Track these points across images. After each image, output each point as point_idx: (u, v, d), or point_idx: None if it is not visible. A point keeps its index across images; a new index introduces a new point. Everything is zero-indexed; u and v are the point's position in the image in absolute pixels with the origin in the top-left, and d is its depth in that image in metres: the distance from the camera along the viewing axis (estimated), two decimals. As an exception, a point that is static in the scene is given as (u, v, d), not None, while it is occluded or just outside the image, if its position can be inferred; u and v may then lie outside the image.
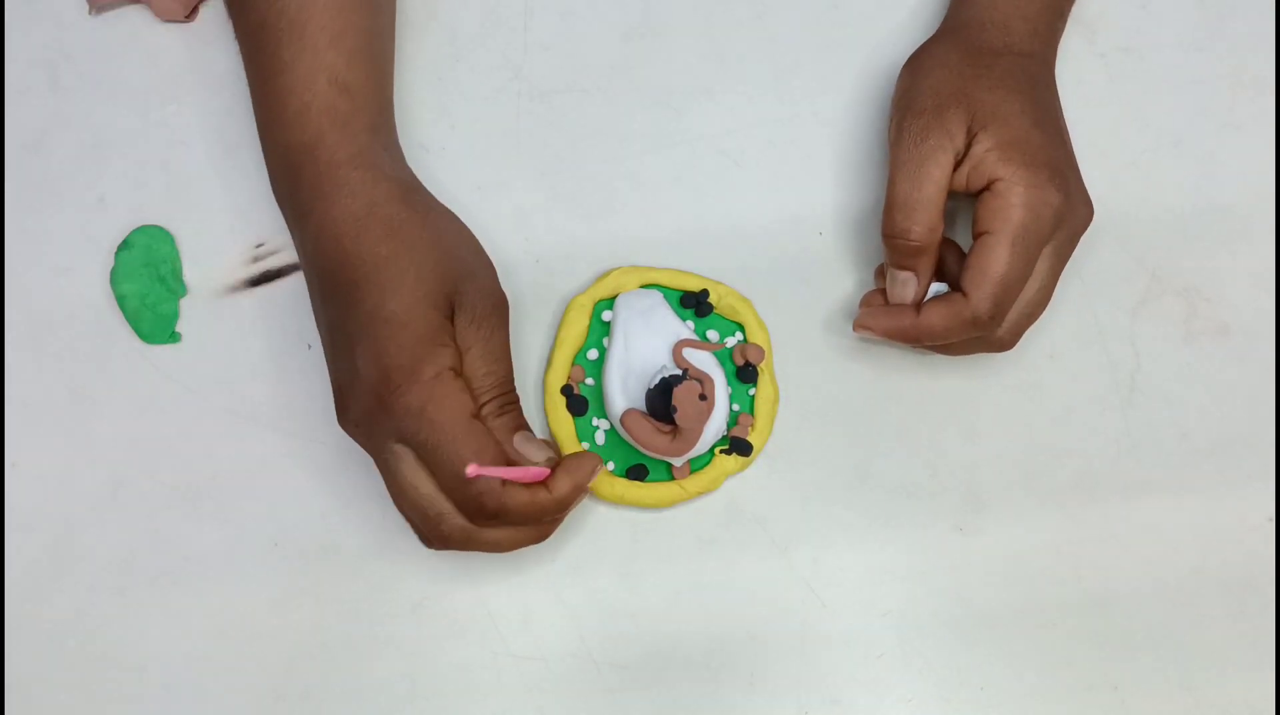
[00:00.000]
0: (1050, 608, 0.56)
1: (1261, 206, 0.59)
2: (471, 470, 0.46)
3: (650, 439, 0.53)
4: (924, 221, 0.51)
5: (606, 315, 0.57)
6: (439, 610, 0.56)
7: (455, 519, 0.49)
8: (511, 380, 0.51)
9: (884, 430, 0.57)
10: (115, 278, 0.58)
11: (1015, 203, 0.50)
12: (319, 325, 0.52)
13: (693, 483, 0.55)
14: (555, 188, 0.59)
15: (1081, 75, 0.60)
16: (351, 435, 0.51)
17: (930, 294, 0.54)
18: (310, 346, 0.57)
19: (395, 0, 0.58)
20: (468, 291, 0.50)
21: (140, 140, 0.60)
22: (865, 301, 0.55)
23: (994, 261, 0.50)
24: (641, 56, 0.61)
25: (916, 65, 0.54)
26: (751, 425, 0.56)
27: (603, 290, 0.57)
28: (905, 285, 0.53)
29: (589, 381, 0.57)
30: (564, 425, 0.56)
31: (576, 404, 0.56)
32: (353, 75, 0.53)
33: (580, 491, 0.50)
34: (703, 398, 0.52)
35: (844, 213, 0.59)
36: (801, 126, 0.60)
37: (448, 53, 0.61)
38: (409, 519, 0.50)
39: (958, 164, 0.51)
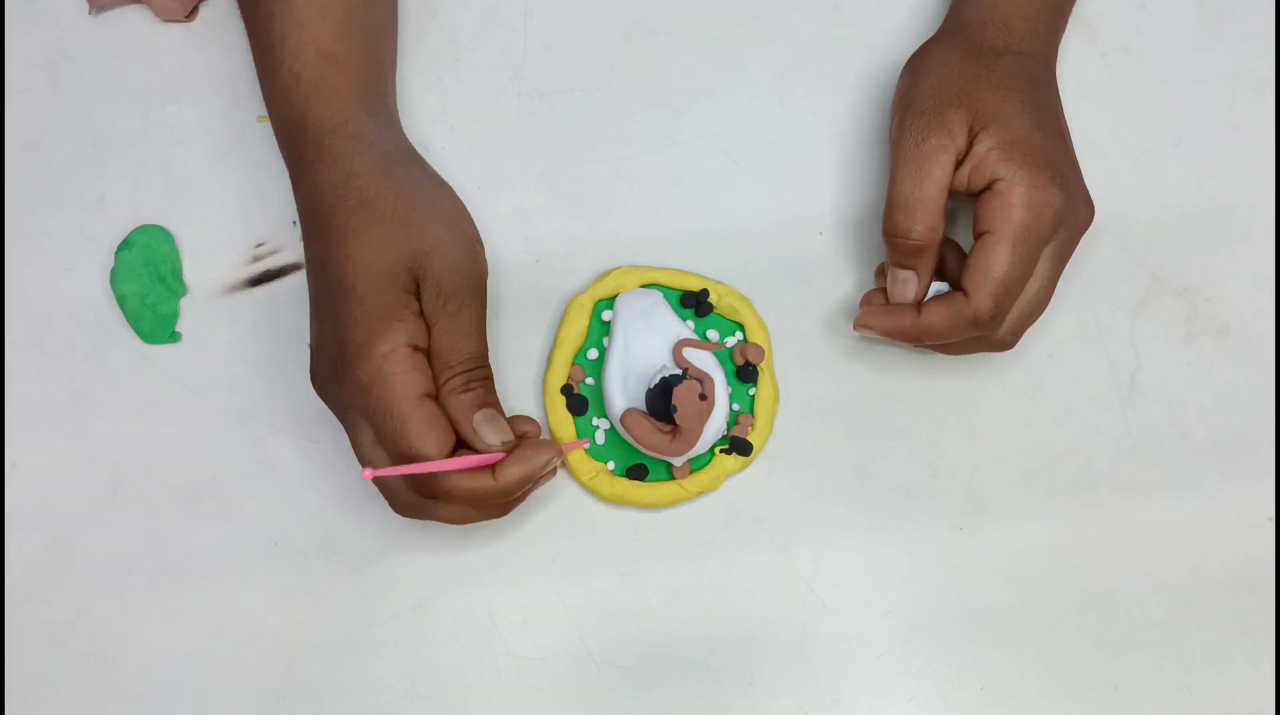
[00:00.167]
0: (1050, 608, 0.56)
1: (1261, 206, 0.59)
2: (366, 474, 0.46)
3: (650, 439, 0.53)
4: (925, 221, 0.51)
5: (606, 315, 0.57)
6: (439, 610, 0.56)
7: (408, 493, 0.50)
8: (483, 357, 0.51)
9: (884, 430, 0.57)
10: (115, 277, 0.58)
11: (1016, 202, 0.50)
12: (309, 290, 0.53)
13: (693, 482, 0.55)
14: (555, 188, 0.59)
15: (1081, 75, 0.60)
16: (321, 398, 0.51)
17: (931, 293, 0.54)
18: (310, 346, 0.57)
19: None
20: (433, 266, 0.50)
21: (140, 140, 0.60)
22: (866, 300, 0.55)
23: (995, 261, 0.50)
24: (641, 56, 0.61)
25: (918, 65, 0.54)
26: (751, 425, 0.56)
27: (603, 290, 0.57)
28: (906, 284, 0.53)
29: (589, 381, 0.57)
30: (564, 425, 0.56)
31: (576, 404, 0.56)
32: (339, 45, 0.54)
33: (529, 481, 0.50)
34: (703, 397, 0.52)
35: (844, 212, 0.59)
36: (801, 126, 0.60)
37: (448, 53, 0.61)
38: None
39: (959, 163, 0.51)
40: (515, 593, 0.56)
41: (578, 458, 0.55)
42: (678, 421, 0.52)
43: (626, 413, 0.53)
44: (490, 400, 0.51)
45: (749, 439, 0.56)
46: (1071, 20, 0.59)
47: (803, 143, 0.60)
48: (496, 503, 0.51)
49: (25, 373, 0.58)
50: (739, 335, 0.57)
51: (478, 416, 0.50)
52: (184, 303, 0.58)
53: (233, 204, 0.59)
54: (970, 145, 0.51)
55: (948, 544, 0.56)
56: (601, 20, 0.61)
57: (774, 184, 0.59)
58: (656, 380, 0.53)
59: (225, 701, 0.55)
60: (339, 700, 0.55)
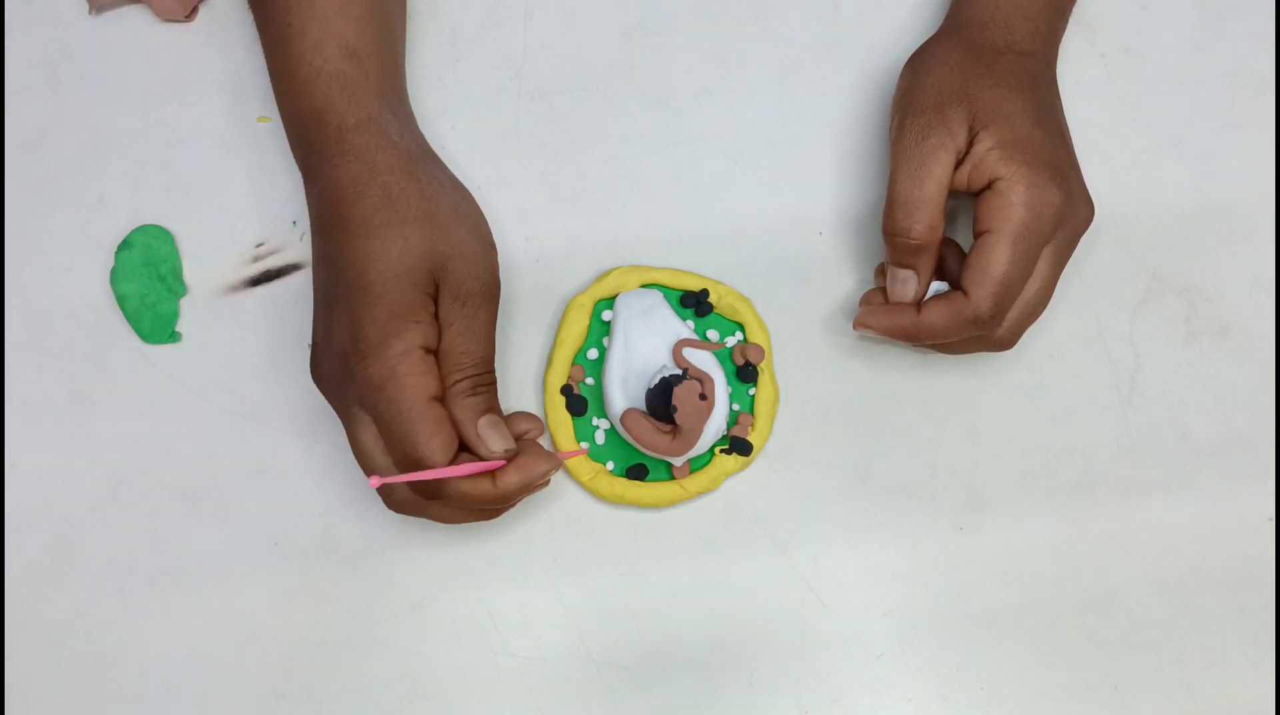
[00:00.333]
0: (1050, 608, 0.56)
1: (1261, 206, 0.59)
2: (373, 482, 0.47)
3: (650, 439, 0.53)
4: (925, 219, 0.51)
5: (606, 315, 0.57)
6: (439, 610, 0.56)
7: (405, 492, 0.50)
8: (491, 362, 0.51)
9: (884, 430, 0.57)
10: (115, 277, 0.58)
11: (1016, 202, 0.50)
12: (314, 282, 0.53)
13: (693, 482, 0.55)
14: (555, 188, 0.59)
15: (1082, 75, 0.60)
16: (321, 391, 0.51)
17: (930, 293, 0.54)
18: (310, 346, 0.57)
19: None
20: (454, 269, 0.50)
21: (140, 140, 0.60)
22: (865, 300, 0.55)
23: (995, 260, 0.50)
24: (641, 56, 0.61)
25: (918, 64, 0.54)
26: (751, 425, 0.56)
27: (603, 290, 0.57)
28: (906, 283, 0.53)
29: (589, 381, 0.57)
30: (564, 425, 0.56)
31: (576, 404, 0.56)
32: (361, 41, 0.54)
33: (527, 490, 0.51)
34: (703, 397, 0.52)
35: (844, 212, 0.59)
36: (801, 126, 0.60)
37: (448, 53, 0.61)
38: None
39: (959, 162, 0.51)
40: (515, 593, 0.56)
41: (578, 458, 0.55)
42: (678, 421, 0.52)
43: (626, 413, 0.53)
44: (494, 405, 0.51)
45: (749, 439, 0.56)
46: (1071, 20, 0.59)
47: (803, 143, 0.60)
48: (491, 507, 0.51)
49: (25, 373, 0.58)
50: (739, 335, 0.57)
51: (483, 422, 0.50)
52: (184, 303, 0.58)
53: (233, 204, 0.59)
54: (970, 144, 0.51)
55: (948, 544, 0.56)
56: (601, 20, 0.61)
57: (774, 184, 0.59)
58: (656, 380, 0.53)
59: (225, 701, 0.55)
60: (339, 700, 0.55)
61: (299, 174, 0.55)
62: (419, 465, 0.48)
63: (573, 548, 0.56)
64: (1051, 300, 0.53)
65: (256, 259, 0.59)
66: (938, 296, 0.52)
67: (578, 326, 0.57)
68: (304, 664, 0.55)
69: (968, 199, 0.53)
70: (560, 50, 0.61)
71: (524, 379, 0.57)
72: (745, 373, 0.56)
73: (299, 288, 0.57)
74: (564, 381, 0.56)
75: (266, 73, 0.60)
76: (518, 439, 0.51)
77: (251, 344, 0.58)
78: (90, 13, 0.61)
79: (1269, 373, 0.58)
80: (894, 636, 0.55)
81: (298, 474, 0.57)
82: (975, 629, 0.55)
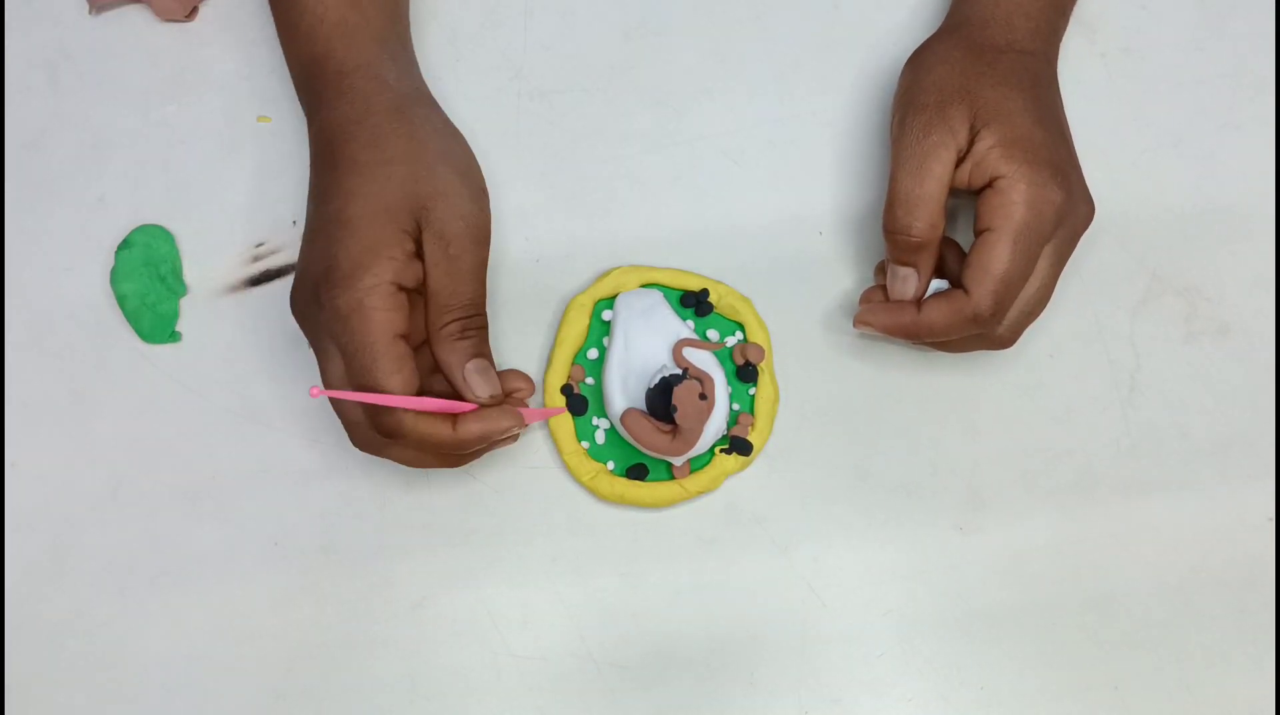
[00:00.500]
0: (1050, 608, 0.56)
1: (1261, 206, 0.59)
2: (313, 392, 0.47)
3: (650, 438, 0.53)
4: (925, 217, 0.51)
5: (606, 315, 0.57)
6: (439, 610, 0.56)
7: (367, 429, 0.50)
8: (481, 305, 0.52)
9: (884, 429, 0.57)
10: (115, 277, 0.58)
11: (1017, 200, 0.50)
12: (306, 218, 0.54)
13: (693, 482, 0.55)
14: (555, 188, 0.59)
15: (1082, 75, 0.60)
16: (297, 322, 0.52)
17: (931, 291, 0.54)
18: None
19: None
20: (437, 208, 0.50)
21: (140, 140, 0.60)
22: (865, 298, 0.55)
23: (995, 258, 0.50)
24: (641, 56, 0.61)
25: (919, 62, 0.54)
26: (751, 425, 0.56)
27: (603, 290, 0.57)
28: (906, 281, 0.53)
29: (589, 381, 0.57)
30: (564, 424, 0.56)
31: (576, 403, 0.56)
32: None
33: (485, 441, 0.51)
34: (703, 397, 0.52)
35: (844, 212, 0.59)
36: (801, 126, 0.60)
37: (448, 53, 0.61)
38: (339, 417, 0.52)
39: (960, 161, 0.51)
40: (515, 593, 0.56)
41: (578, 458, 0.55)
42: (678, 421, 0.52)
43: (626, 413, 0.53)
44: (484, 350, 0.52)
45: (749, 439, 0.56)
46: (1072, 20, 0.59)
47: (803, 143, 0.60)
48: (451, 453, 0.51)
49: (25, 373, 0.58)
50: (739, 335, 0.57)
51: (470, 366, 0.51)
52: (184, 303, 0.58)
53: (233, 204, 0.59)
54: (971, 142, 0.51)
55: (948, 543, 0.56)
56: (601, 20, 0.61)
57: (774, 184, 0.59)
58: (656, 380, 0.53)
59: (225, 701, 0.55)
60: (339, 700, 0.55)
61: (299, 174, 0.56)
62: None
63: (573, 548, 0.56)
64: (1051, 299, 0.53)
65: (256, 259, 0.59)
66: (938, 294, 0.52)
67: (578, 326, 0.57)
68: (304, 664, 0.55)
69: (968, 197, 0.53)
70: (560, 50, 0.61)
71: (524, 379, 0.57)
72: (745, 373, 0.56)
73: (299, 288, 0.57)
74: (564, 381, 0.56)
75: (266, 73, 0.60)
76: (506, 396, 0.52)
77: (251, 344, 0.58)
78: (90, 13, 0.61)
79: (1269, 373, 0.58)
80: (894, 636, 0.55)
81: (298, 474, 0.57)
82: (975, 629, 0.55)
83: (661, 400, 0.52)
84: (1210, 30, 0.61)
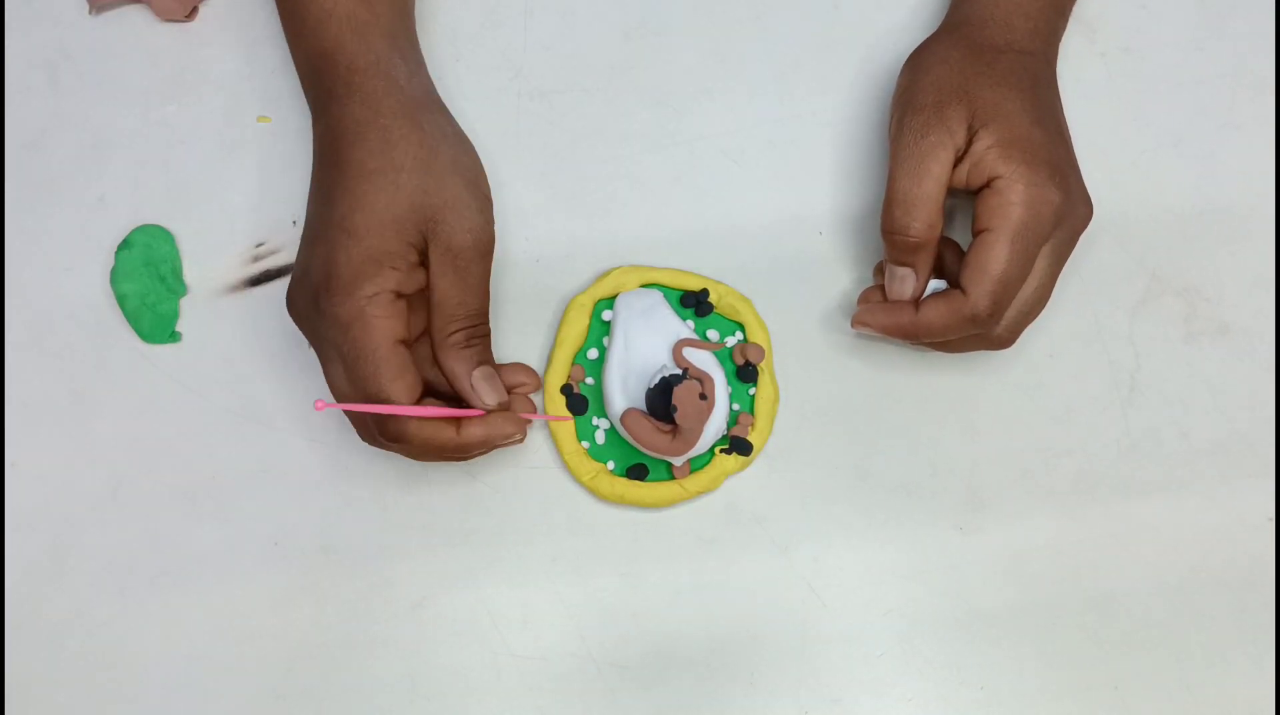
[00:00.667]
0: (1050, 608, 0.56)
1: (1261, 206, 0.59)
2: (318, 405, 0.47)
3: (650, 438, 0.53)
4: (923, 217, 0.51)
5: (607, 315, 0.57)
6: (439, 610, 0.56)
7: (373, 431, 0.51)
8: (485, 315, 0.52)
9: (884, 429, 0.57)
10: (115, 277, 0.58)
11: (1015, 200, 0.50)
12: (306, 216, 0.53)
13: (693, 482, 0.55)
14: (555, 187, 0.59)
15: (1082, 75, 0.60)
16: (296, 324, 0.52)
17: (929, 291, 0.54)
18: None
19: None
20: (446, 221, 0.50)
21: (140, 140, 0.60)
22: (864, 298, 0.55)
23: (993, 258, 0.50)
24: (641, 56, 0.61)
25: (918, 62, 0.54)
26: (751, 425, 0.56)
27: (603, 290, 0.57)
28: (904, 281, 0.53)
29: (589, 381, 0.57)
30: (564, 424, 0.56)
31: (576, 403, 0.56)
32: None
33: (488, 445, 0.52)
34: (703, 397, 0.52)
35: (844, 212, 0.59)
36: (801, 126, 0.60)
37: (448, 53, 0.61)
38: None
39: (958, 161, 0.51)
40: (515, 593, 0.56)
41: (578, 458, 0.55)
42: (678, 421, 0.52)
43: (626, 413, 0.53)
44: (488, 357, 0.52)
45: (749, 439, 0.56)
46: (1071, 20, 0.59)
47: (803, 143, 0.60)
48: (455, 455, 0.52)
49: (25, 373, 0.58)
50: (739, 335, 0.57)
51: (477, 374, 0.51)
52: (184, 303, 0.58)
53: (233, 204, 0.59)
54: (970, 142, 0.51)
55: (948, 543, 0.56)
56: (601, 20, 0.61)
57: (774, 184, 0.59)
58: (656, 380, 0.53)
59: (225, 701, 0.55)
60: (339, 700, 0.55)
61: (299, 174, 0.56)
62: (380, 403, 0.49)
63: (573, 548, 0.56)
64: (1051, 300, 0.53)
65: (256, 259, 0.59)
66: (936, 294, 0.52)
67: (578, 326, 0.57)
68: (304, 664, 0.55)
69: (966, 198, 0.53)
70: (560, 50, 0.61)
71: (524, 379, 0.57)
72: (745, 373, 0.56)
73: (299, 288, 0.57)
74: (564, 381, 0.56)
75: (266, 73, 0.60)
76: (511, 392, 0.53)
77: (251, 344, 0.58)
78: (90, 13, 0.61)
79: (1269, 373, 0.58)
80: (894, 636, 0.55)
81: (298, 474, 0.57)
82: (975, 629, 0.55)
83: (661, 400, 0.52)
84: (1210, 30, 0.61)
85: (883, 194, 0.52)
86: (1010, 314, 0.52)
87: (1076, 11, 0.59)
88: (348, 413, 0.52)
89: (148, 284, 0.58)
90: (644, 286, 0.57)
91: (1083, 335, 0.58)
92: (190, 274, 0.58)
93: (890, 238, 0.52)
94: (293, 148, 0.59)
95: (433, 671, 0.55)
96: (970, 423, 0.57)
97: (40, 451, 0.57)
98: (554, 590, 0.56)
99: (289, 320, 0.57)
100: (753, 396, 0.56)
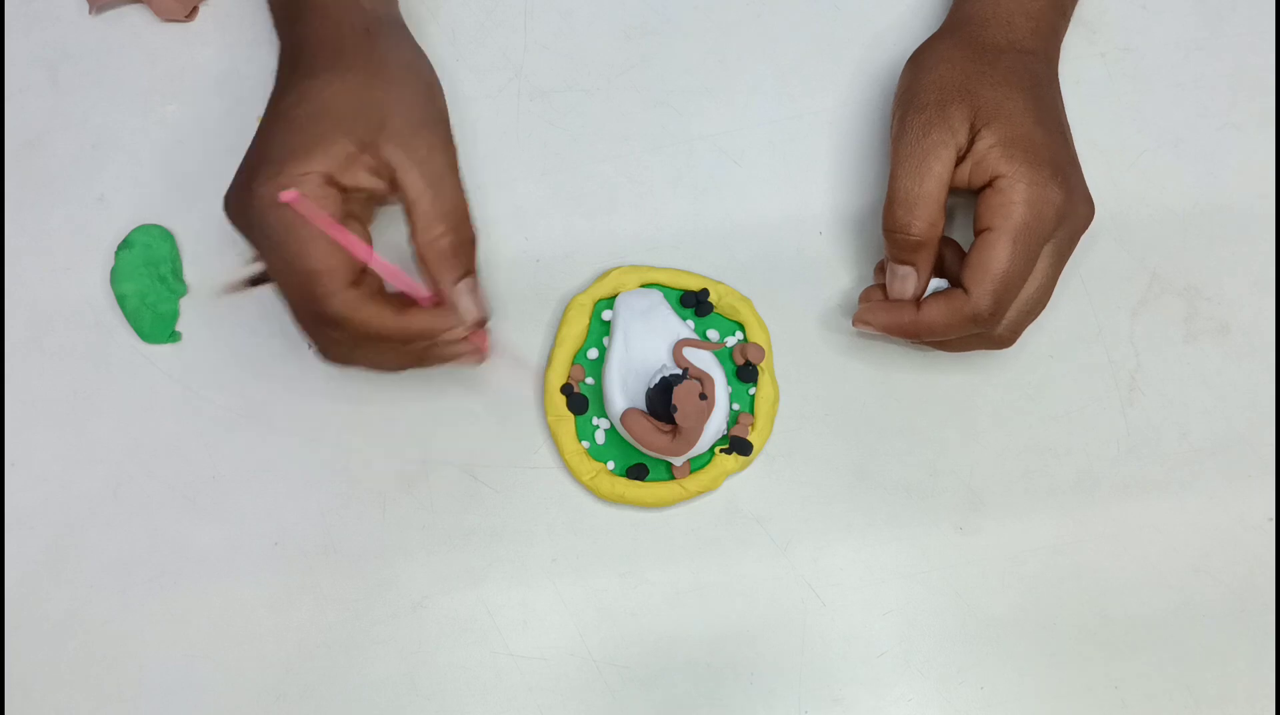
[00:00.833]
0: (1050, 608, 0.56)
1: (1261, 206, 0.59)
2: (283, 195, 0.46)
3: (650, 438, 0.53)
4: (925, 216, 0.51)
5: (606, 314, 0.57)
6: (439, 610, 0.56)
7: (315, 326, 0.50)
8: (466, 213, 0.51)
9: (884, 429, 0.57)
10: (115, 277, 0.58)
11: (1017, 200, 0.50)
12: None
13: (693, 482, 0.55)
14: (555, 187, 0.59)
15: (1082, 75, 0.60)
16: (232, 224, 0.51)
17: (930, 290, 0.54)
18: (311, 346, 0.57)
19: None
20: (396, 116, 0.50)
21: (140, 140, 0.60)
22: (865, 297, 0.55)
23: (995, 258, 0.50)
24: (641, 56, 0.61)
25: (920, 61, 0.54)
26: (751, 424, 0.56)
27: (603, 289, 0.57)
28: (905, 280, 0.53)
29: (589, 380, 0.57)
30: (564, 424, 0.56)
31: (576, 403, 0.56)
32: None
33: (427, 337, 0.50)
34: (703, 397, 0.52)
35: (844, 212, 0.59)
36: (801, 126, 0.60)
37: (448, 53, 0.61)
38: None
39: (960, 160, 0.51)
40: (515, 593, 0.56)
41: (578, 458, 0.55)
42: (678, 421, 0.52)
43: (626, 412, 0.53)
44: (473, 267, 0.51)
45: (749, 439, 0.56)
46: (1072, 20, 0.59)
47: (803, 143, 0.60)
48: (397, 346, 0.50)
49: (25, 373, 0.58)
50: (739, 335, 0.57)
51: (461, 285, 0.50)
52: (184, 303, 0.58)
53: (233, 204, 0.59)
54: (971, 142, 0.51)
55: (948, 543, 0.56)
56: (601, 20, 0.61)
57: (774, 184, 0.59)
58: (656, 380, 0.53)
59: (225, 701, 0.55)
60: (339, 700, 0.55)
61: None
62: (314, 282, 0.48)
63: (573, 548, 0.56)
64: (1051, 299, 0.53)
65: (257, 259, 0.58)
66: (937, 293, 0.52)
67: (578, 326, 0.57)
68: (304, 664, 0.55)
69: (967, 197, 0.53)
70: (560, 50, 0.61)
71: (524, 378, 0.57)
72: (745, 372, 0.56)
73: (299, 288, 0.57)
74: (564, 381, 0.56)
75: (266, 73, 0.60)
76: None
77: (251, 344, 0.58)
78: (90, 13, 0.61)
79: (1269, 373, 0.58)
80: (894, 636, 0.55)
81: (298, 474, 0.57)
82: (975, 629, 0.55)
83: (661, 400, 0.52)
84: (1210, 30, 0.61)
85: (883, 194, 0.53)
86: (1011, 313, 0.52)
87: (1076, 12, 0.59)
88: (300, 326, 0.50)
89: (148, 284, 0.58)
90: (644, 286, 0.57)
91: (1083, 335, 0.58)
92: (190, 274, 0.58)
93: (891, 236, 0.52)
94: (293, 148, 0.59)
95: (433, 671, 0.55)
96: (970, 423, 0.57)
97: (40, 451, 0.57)
98: (554, 590, 0.56)
99: (289, 320, 0.57)
100: (753, 396, 0.56)
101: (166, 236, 0.58)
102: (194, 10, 0.61)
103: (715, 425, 0.53)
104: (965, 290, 0.51)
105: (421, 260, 0.50)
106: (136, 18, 0.61)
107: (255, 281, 0.58)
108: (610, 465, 0.56)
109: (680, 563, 0.56)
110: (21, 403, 0.58)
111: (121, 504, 0.57)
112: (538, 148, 0.60)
